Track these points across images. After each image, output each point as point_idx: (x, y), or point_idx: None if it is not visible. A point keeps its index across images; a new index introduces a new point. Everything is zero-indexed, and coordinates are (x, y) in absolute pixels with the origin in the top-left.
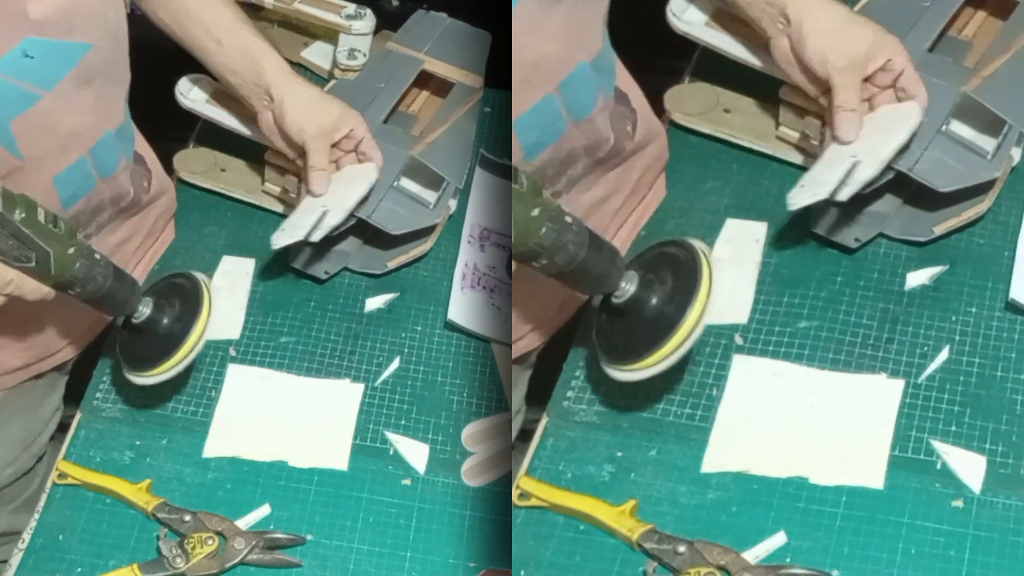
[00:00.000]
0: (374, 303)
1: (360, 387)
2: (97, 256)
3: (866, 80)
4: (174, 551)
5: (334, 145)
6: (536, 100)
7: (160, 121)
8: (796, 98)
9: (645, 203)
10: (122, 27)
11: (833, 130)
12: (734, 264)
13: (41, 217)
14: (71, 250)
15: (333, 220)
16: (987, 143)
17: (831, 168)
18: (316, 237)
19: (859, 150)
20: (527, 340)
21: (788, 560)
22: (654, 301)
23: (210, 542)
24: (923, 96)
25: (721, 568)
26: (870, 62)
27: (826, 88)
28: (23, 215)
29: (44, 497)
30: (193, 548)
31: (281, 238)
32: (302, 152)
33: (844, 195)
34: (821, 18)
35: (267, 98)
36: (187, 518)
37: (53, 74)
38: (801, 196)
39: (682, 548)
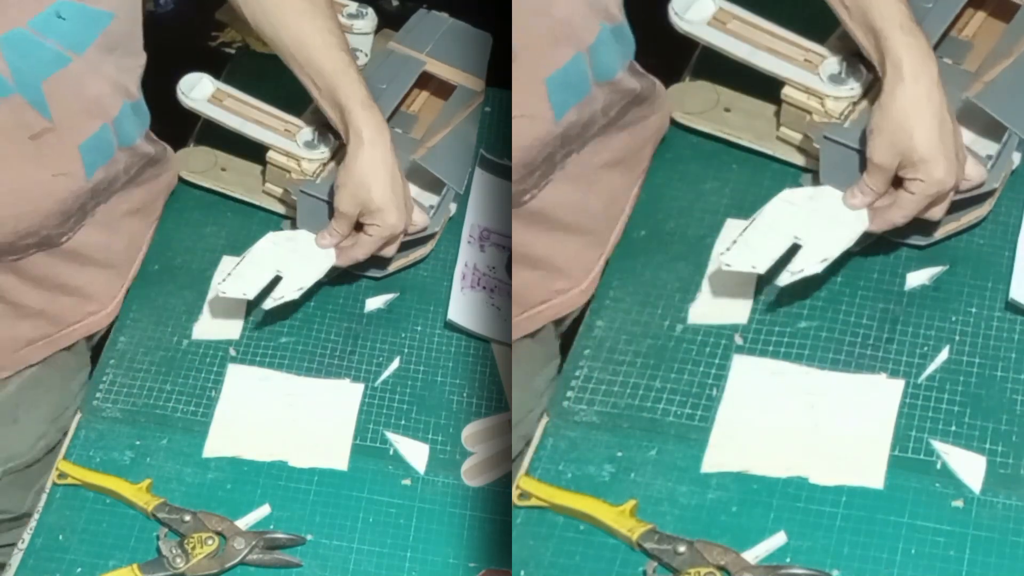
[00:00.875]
0: (374, 303)
1: (360, 387)
2: None
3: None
4: (174, 551)
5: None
6: (567, 59)
7: (160, 121)
8: (797, 98)
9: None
10: (138, 1)
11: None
12: None
13: None
14: None
15: (287, 295)
16: (988, 147)
17: (771, 238)
18: (268, 306)
19: (804, 232)
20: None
21: (788, 560)
22: None
23: (210, 542)
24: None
25: (721, 568)
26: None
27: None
28: None
29: (44, 497)
30: (193, 548)
31: (231, 288)
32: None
33: (784, 281)
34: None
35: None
36: (187, 518)
37: (83, 38)
38: (738, 260)
39: (682, 548)
